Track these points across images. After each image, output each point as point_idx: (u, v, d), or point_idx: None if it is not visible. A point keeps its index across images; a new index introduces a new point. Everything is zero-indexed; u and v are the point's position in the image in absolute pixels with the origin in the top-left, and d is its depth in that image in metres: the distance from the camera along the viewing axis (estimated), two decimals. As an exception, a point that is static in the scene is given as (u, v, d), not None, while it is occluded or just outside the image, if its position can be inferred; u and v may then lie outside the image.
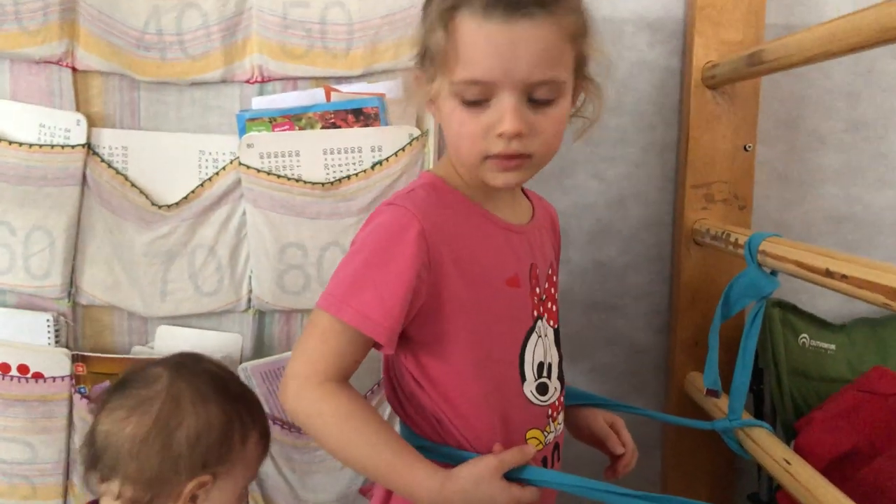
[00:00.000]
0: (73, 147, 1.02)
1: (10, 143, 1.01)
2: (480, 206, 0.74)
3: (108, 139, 1.04)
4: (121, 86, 1.05)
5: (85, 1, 1.00)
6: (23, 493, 1.09)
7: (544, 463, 0.77)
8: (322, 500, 1.12)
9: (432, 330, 0.71)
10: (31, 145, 1.02)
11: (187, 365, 0.82)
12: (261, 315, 1.10)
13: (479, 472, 0.66)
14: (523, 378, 0.74)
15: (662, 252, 1.19)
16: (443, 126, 0.73)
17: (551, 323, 0.79)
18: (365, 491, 0.88)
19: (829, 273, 0.72)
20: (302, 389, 0.68)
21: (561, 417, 0.79)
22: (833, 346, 1.10)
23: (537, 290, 0.76)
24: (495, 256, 0.73)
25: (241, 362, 1.08)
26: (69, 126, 1.03)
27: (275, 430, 1.08)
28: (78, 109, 1.03)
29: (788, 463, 0.82)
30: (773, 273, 0.91)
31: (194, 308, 1.08)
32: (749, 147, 1.11)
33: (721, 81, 1.06)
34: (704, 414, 1.07)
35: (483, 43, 0.64)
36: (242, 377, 1.05)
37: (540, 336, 0.75)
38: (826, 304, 1.18)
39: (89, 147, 1.03)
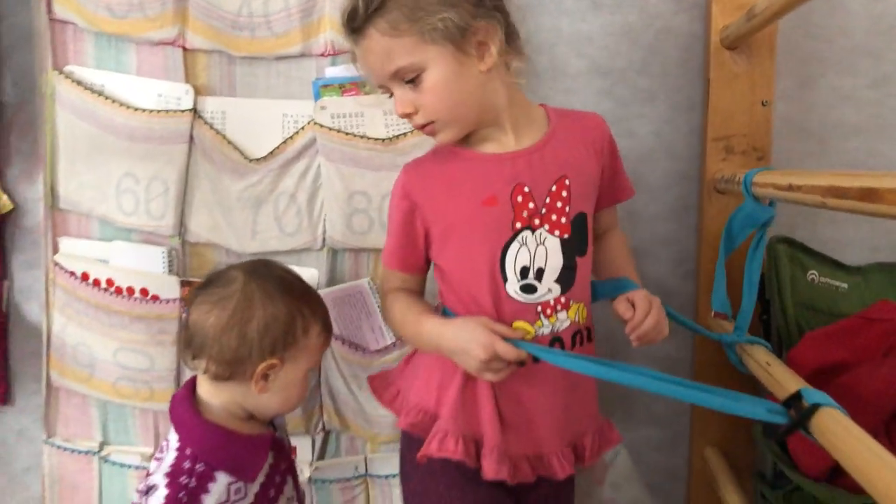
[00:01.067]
0: (182, 112, 1.25)
1: (136, 109, 1.25)
2: (465, 149, 0.95)
3: (210, 105, 1.27)
4: (220, 61, 1.27)
5: (193, -8, 1.23)
6: (144, 396, 1.33)
7: None
8: (383, 414, 1.30)
9: (436, 250, 0.96)
10: (150, 111, 1.25)
11: (259, 269, 1.00)
12: (333, 252, 1.30)
13: (469, 319, 0.89)
14: (505, 279, 0.92)
15: (689, 202, 1.31)
16: None
17: (556, 233, 0.93)
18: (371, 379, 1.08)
19: (790, 187, 0.83)
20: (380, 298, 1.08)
21: (563, 315, 0.93)
22: (846, 285, 1.18)
23: (530, 205, 0.92)
24: (472, 184, 0.92)
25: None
26: (180, 95, 1.26)
27: (343, 349, 1.28)
28: (187, 81, 1.26)
29: (769, 365, 0.93)
30: (771, 204, 1.02)
31: (279, 246, 1.29)
32: (766, 102, 1.21)
33: (734, 42, 1.17)
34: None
35: (356, 57, 0.93)
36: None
37: (523, 244, 0.92)
38: (847, 250, 1.26)
39: (195, 112, 1.26)
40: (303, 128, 1.26)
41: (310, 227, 1.29)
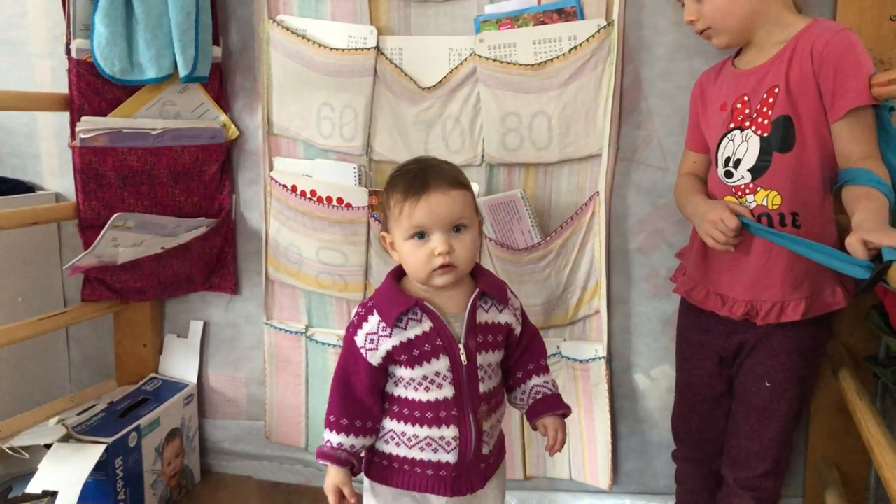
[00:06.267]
0: (368, 50, 1.56)
1: (331, 48, 1.58)
2: (729, 63, 1.30)
3: (390, 43, 1.57)
4: (398, 5, 1.57)
5: (373, -50, 1.53)
6: (339, 287, 1.69)
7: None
8: (531, 303, 1.57)
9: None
10: (343, 50, 1.57)
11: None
12: (490, 167, 1.57)
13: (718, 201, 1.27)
14: (717, 164, 1.28)
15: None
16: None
17: (759, 132, 1.20)
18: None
19: None
20: None
21: (751, 198, 1.22)
22: None
23: (746, 110, 1.22)
24: (719, 92, 1.28)
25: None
26: (366, 35, 1.56)
27: (497, 249, 1.56)
28: (371, 24, 1.57)
29: None
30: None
31: (446, 162, 1.58)
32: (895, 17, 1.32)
33: None
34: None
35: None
36: (478, 209, 1.53)
37: (731, 140, 1.24)
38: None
39: (378, 49, 1.56)
40: (465, 59, 1.53)
41: (471, 146, 1.56)
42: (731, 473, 1.35)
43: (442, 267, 1.10)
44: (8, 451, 1.44)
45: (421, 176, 1.12)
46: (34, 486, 1.38)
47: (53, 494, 1.38)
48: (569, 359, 1.59)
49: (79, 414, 1.59)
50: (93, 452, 1.44)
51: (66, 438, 1.49)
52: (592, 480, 1.63)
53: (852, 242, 0.98)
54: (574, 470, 1.65)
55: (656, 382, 1.59)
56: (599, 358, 1.56)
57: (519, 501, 1.70)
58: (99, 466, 1.45)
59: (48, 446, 1.45)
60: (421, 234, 1.11)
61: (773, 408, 1.28)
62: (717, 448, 1.40)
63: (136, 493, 1.59)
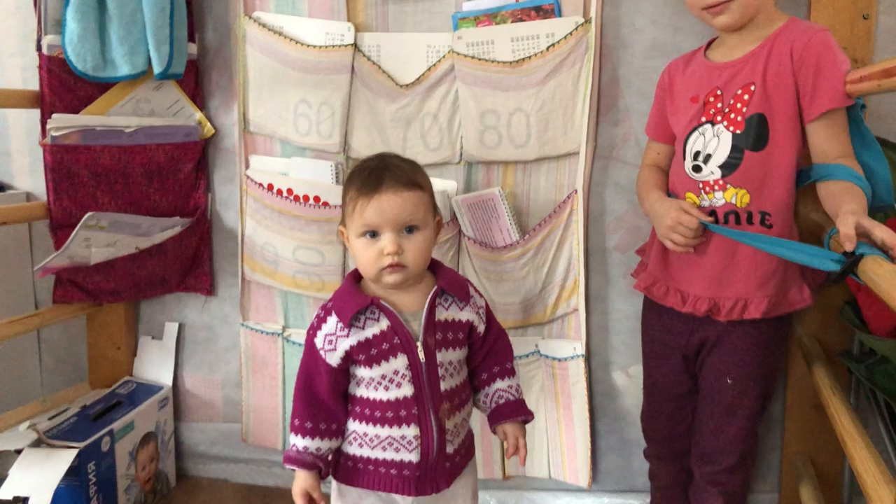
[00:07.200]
0: (345, 47, 1.55)
1: (308, 45, 1.56)
2: (702, 53, 1.30)
3: (367, 40, 1.56)
4: (376, 2, 1.56)
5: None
6: (317, 287, 1.67)
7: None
8: (510, 301, 1.58)
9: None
10: (320, 47, 1.56)
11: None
12: (469, 165, 1.57)
13: (674, 200, 1.27)
14: (684, 158, 1.27)
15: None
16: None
17: (731, 128, 1.20)
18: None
19: None
20: None
21: (720, 195, 1.22)
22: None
23: (718, 104, 1.22)
24: (689, 84, 1.28)
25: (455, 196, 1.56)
26: (343, 32, 1.56)
27: (475, 247, 1.56)
28: (349, 20, 1.56)
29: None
30: None
31: (424, 160, 1.56)
32: (867, 16, 1.33)
33: None
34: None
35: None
36: (454, 208, 1.53)
37: (701, 134, 1.24)
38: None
39: (356, 46, 1.55)
40: (443, 56, 1.52)
41: (449, 144, 1.56)
42: (698, 469, 1.37)
43: (391, 266, 1.10)
44: (-23, 456, 1.41)
45: (376, 174, 1.12)
46: (4, 493, 1.35)
47: (24, 500, 1.35)
48: (547, 357, 1.59)
49: (50, 418, 1.55)
50: (64, 457, 1.42)
51: (37, 443, 1.45)
52: (572, 479, 1.63)
53: (848, 222, 0.97)
54: (553, 468, 1.65)
55: (634, 380, 1.60)
56: (578, 356, 1.56)
57: (498, 501, 1.70)
58: (71, 472, 1.42)
59: (19, 452, 1.42)
60: (372, 233, 1.12)
61: (737, 404, 1.30)
62: (686, 445, 1.41)
63: (110, 499, 1.56)
